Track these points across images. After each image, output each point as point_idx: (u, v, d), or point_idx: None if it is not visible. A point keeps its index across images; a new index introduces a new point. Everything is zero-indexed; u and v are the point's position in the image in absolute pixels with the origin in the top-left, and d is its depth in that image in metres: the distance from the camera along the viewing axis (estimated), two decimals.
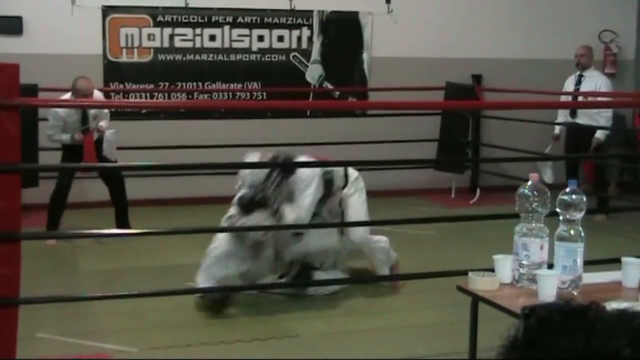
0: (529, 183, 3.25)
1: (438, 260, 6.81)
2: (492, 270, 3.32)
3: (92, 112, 7.75)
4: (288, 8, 10.18)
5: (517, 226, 3.22)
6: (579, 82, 9.39)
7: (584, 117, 9.22)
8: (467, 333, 3.55)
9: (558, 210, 3.14)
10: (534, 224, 3.20)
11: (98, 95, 7.88)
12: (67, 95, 7.53)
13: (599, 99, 8.95)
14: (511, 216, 5.37)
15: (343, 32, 10.44)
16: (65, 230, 7.68)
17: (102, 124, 7.79)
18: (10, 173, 4.28)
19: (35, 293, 5.52)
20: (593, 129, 9.10)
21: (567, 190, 3.13)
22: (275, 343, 5.17)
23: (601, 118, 9.13)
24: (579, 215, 3.12)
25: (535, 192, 3.21)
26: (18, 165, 4.36)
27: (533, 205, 3.20)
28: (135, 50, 9.75)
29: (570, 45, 9.80)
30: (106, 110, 8.00)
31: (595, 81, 9.28)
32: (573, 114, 9.36)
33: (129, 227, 7.51)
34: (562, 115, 9.59)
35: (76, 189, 8.62)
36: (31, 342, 4.94)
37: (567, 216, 3.12)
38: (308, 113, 10.22)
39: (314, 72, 10.39)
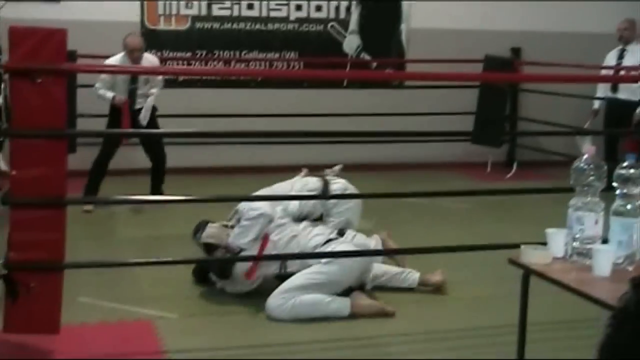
0: (585, 156, 3.20)
1: (475, 234, 6.77)
2: (542, 243, 3.28)
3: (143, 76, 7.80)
4: None
5: (572, 200, 3.18)
6: (621, 57, 9.27)
7: (626, 92, 9.07)
8: (508, 307, 3.53)
9: (615, 184, 3.10)
10: (589, 198, 3.16)
11: (151, 59, 7.95)
12: (120, 55, 7.64)
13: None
14: (553, 190, 5.38)
15: (382, 3, 10.37)
16: (103, 197, 7.72)
17: (154, 90, 7.84)
18: (57, 139, 4.30)
19: (76, 259, 5.55)
20: (635, 105, 8.97)
21: (625, 164, 3.08)
22: None
23: None
24: (636, 190, 3.08)
25: (591, 166, 3.17)
26: (65, 131, 4.37)
27: (589, 179, 3.15)
28: (173, 18, 9.74)
29: (612, 18, 9.64)
30: (160, 77, 8.03)
31: (638, 55, 9.15)
32: (614, 89, 9.23)
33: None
34: (602, 90, 9.46)
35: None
36: (74, 306, 4.97)
37: (625, 190, 3.08)
38: (345, 84, 10.21)
39: (351, 43, 10.33)
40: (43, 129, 4.23)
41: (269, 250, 5.33)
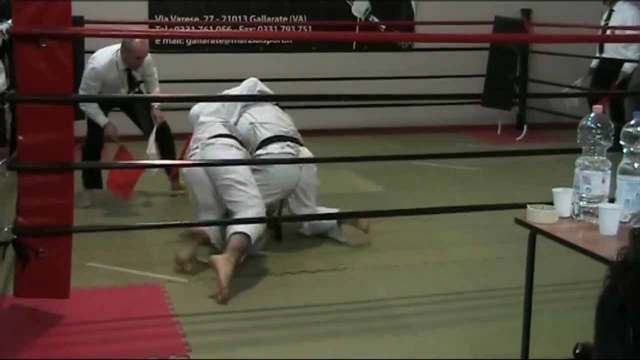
0: (592, 115, 3.17)
1: (485, 196, 6.75)
2: (550, 203, 3.27)
3: (137, 75, 6.83)
4: None
5: (579, 159, 3.16)
6: (609, 17, 9.25)
7: (611, 52, 9.09)
8: (516, 268, 3.52)
9: (622, 142, 3.07)
10: (596, 157, 3.14)
11: (150, 60, 6.94)
12: (110, 52, 6.64)
13: (627, 32, 8.88)
14: (563, 151, 5.35)
15: None
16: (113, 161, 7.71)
17: (157, 113, 6.95)
18: (63, 104, 4.29)
19: (86, 223, 5.58)
20: (618, 63, 8.99)
21: (632, 122, 3.05)
22: (323, 275, 5.18)
23: (628, 51, 8.97)
24: None
25: (598, 124, 3.14)
26: (72, 96, 4.36)
27: (595, 138, 3.13)
28: None
29: None
30: (156, 76, 7.03)
31: (623, 14, 9.11)
32: (601, 49, 9.24)
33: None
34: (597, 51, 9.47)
35: (115, 122, 8.66)
36: (83, 271, 5.00)
37: (632, 149, 3.05)
38: (354, 47, 10.15)
39: (360, 6, 10.26)
40: (49, 94, 4.22)
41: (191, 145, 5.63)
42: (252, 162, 5.51)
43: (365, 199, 6.98)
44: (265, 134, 5.66)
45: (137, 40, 6.56)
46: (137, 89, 6.94)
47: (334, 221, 5.89)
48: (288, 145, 5.62)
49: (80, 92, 6.47)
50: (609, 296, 1.37)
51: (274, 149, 5.56)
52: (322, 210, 5.85)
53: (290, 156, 5.58)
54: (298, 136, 5.85)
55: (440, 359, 3.99)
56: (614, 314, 1.34)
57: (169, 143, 7.02)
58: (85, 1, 8.18)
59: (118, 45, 6.61)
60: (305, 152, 5.73)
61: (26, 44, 4.16)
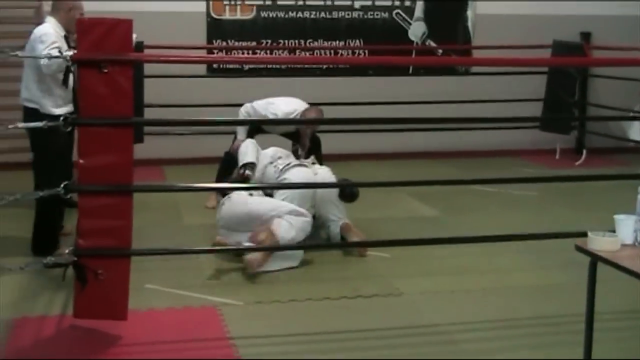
0: None
1: (542, 221, 6.69)
2: (612, 230, 3.22)
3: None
4: None
5: None
6: None
7: None
8: (576, 295, 3.47)
9: None
10: None
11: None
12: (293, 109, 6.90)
13: None
14: (623, 177, 5.29)
15: None
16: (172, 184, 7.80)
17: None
18: (123, 127, 4.35)
19: (142, 246, 5.63)
20: None
21: None
22: (379, 300, 5.15)
23: None
24: None
25: None
26: (131, 119, 4.43)
27: None
28: (238, 7, 9.79)
29: None
30: None
31: None
32: None
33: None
34: None
35: (173, 145, 8.78)
36: (141, 293, 5.05)
37: None
38: (410, 71, 10.14)
39: (416, 30, 10.26)
40: (110, 117, 4.29)
41: None
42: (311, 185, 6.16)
43: (422, 223, 6.95)
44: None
45: (311, 112, 6.77)
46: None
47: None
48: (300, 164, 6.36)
49: (242, 111, 7.14)
50: None
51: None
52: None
53: (304, 167, 6.33)
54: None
55: None
56: None
57: None
58: (146, 27, 8.34)
59: None
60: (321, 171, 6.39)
61: (89, 69, 4.25)
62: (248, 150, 6.38)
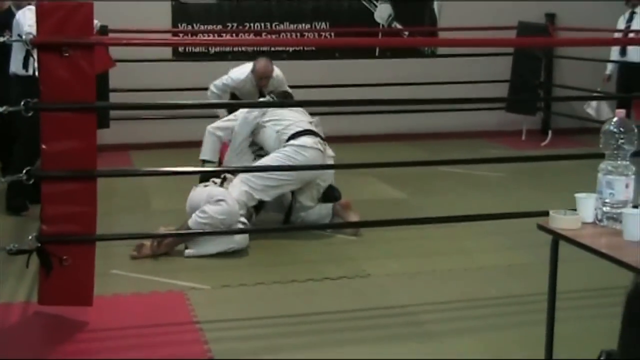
0: (615, 119, 3.14)
1: (509, 202, 6.72)
2: (573, 209, 3.24)
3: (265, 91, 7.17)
4: None
5: (602, 164, 3.13)
6: (630, 19, 9.17)
7: (635, 55, 8.98)
8: (540, 275, 3.47)
9: None
10: (619, 162, 3.11)
11: (279, 74, 7.42)
12: (247, 69, 7.26)
13: None
14: (586, 156, 5.30)
15: None
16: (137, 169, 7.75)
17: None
18: (86, 112, 4.31)
19: (110, 231, 5.60)
20: None
21: None
22: (346, 282, 5.16)
23: None
24: None
25: (621, 129, 3.11)
26: (94, 104, 4.38)
27: (619, 142, 3.10)
28: None
29: None
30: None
31: None
32: (623, 52, 9.14)
33: None
34: (615, 54, 9.36)
35: (140, 130, 8.74)
36: (107, 279, 5.02)
37: None
38: (377, 53, 10.14)
39: (382, 12, 10.26)
40: (72, 102, 4.25)
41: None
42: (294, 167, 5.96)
43: (390, 205, 6.96)
44: (294, 129, 6.12)
45: (260, 63, 7.18)
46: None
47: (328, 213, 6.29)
48: (319, 142, 6.10)
49: (209, 93, 7.35)
50: (636, 297, 1.35)
51: (306, 141, 6.04)
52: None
53: (319, 151, 6.05)
54: (322, 134, 6.24)
55: None
56: None
57: None
58: (110, 11, 8.27)
59: None
60: (329, 151, 6.25)
61: (49, 53, 4.20)
62: (206, 144, 6.32)
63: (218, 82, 7.36)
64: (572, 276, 3.79)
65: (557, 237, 3.16)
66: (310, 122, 6.31)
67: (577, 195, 3.21)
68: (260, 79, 7.18)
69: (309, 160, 5.98)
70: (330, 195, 6.30)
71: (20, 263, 4.61)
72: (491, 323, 4.54)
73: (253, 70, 7.20)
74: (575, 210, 3.20)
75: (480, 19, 9.83)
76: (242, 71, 7.31)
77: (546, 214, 3.24)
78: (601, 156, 3.20)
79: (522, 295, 4.82)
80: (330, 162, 6.22)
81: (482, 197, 7.24)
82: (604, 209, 3.14)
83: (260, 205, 6.13)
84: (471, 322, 4.57)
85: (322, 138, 6.21)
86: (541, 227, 3.21)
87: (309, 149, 6.02)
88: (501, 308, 4.75)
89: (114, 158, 8.29)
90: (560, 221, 3.13)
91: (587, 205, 3.18)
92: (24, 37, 5.01)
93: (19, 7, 7.11)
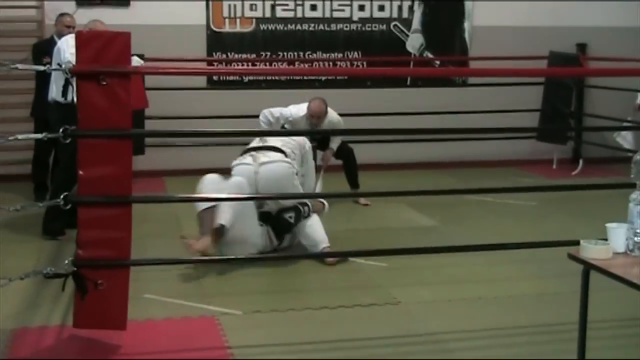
0: None
1: (540, 231, 6.69)
2: (604, 239, 3.22)
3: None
4: None
5: (633, 194, 3.12)
6: None
7: None
8: (571, 304, 3.45)
9: None
10: None
11: (334, 118, 7.80)
12: (300, 110, 7.61)
13: None
14: (617, 186, 5.27)
15: (444, 1, 10.32)
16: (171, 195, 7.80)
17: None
18: (122, 138, 4.35)
19: (142, 256, 5.63)
20: None
21: None
22: (376, 309, 5.15)
23: None
24: None
25: None
26: (129, 131, 4.43)
27: None
28: (238, 20, 9.83)
29: None
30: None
31: None
32: None
33: None
34: None
35: (174, 157, 8.80)
36: (140, 302, 5.04)
37: None
38: (408, 82, 10.17)
39: (414, 42, 10.29)
40: (108, 129, 4.29)
41: None
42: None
43: (420, 233, 6.95)
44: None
45: (314, 103, 7.54)
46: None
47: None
48: (250, 156, 6.33)
49: (261, 117, 7.60)
50: None
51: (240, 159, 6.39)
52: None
53: (247, 165, 6.25)
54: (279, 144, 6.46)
55: None
56: None
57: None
58: (147, 39, 8.36)
59: None
60: (266, 158, 6.29)
61: (87, 82, 4.24)
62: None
63: (275, 111, 7.59)
64: (603, 306, 3.76)
65: (588, 267, 3.15)
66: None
67: (608, 225, 3.20)
68: (312, 117, 7.49)
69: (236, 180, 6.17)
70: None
71: (56, 286, 4.65)
72: (521, 352, 4.50)
73: (308, 108, 7.50)
74: (606, 239, 3.19)
75: (512, 48, 9.83)
76: (301, 108, 7.61)
77: (577, 243, 3.23)
78: (632, 186, 3.19)
79: (553, 325, 4.78)
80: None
81: (513, 225, 7.21)
82: (636, 239, 3.13)
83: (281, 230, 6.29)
84: (501, 350, 4.54)
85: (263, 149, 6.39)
86: (572, 257, 3.20)
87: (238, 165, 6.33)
88: (531, 337, 4.71)
89: (148, 184, 8.36)
90: (591, 251, 3.12)
91: (619, 235, 3.17)
92: (63, 65, 5.13)
93: (61, 35, 7.26)
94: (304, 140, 6.69)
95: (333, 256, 6.04)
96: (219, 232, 5.86)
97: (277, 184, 6.14)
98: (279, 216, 6.24)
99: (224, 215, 5.89)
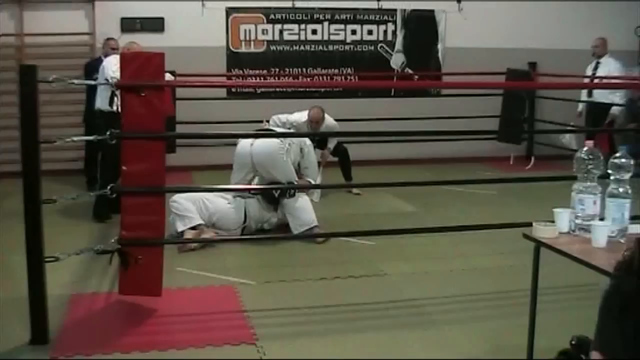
0: (585, 149, 3.14)
1: (500, 215, 6.67)
2: (552, 221, 3.23)
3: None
4: (376, 7, 10.11)
5: (575, 184, 3.13)
6: (595, 67, 9.13)
7: (600, 97, 8.94)
8: (524, 275, 3.46)
9: (610, 171, 3.04)
10: (588, 183, 3.10)
11: (330, 123, 7.82)
12: (301, 117, 7.65)
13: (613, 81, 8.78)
14: (562, 178, 5.26)
15: (421, 27, 10.29)
16: (197, 185, 7.80)
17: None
18: (157, 140, 4.37)
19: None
20: (607, 106, 8.84)
21: (618, 154, 3.02)
22: (367, 280, 5.16)
23: (615, 97, 8.82)
24: (626, 176, 3.01)
25: (590, 156, 3.11)
26: (163, 133, 4.44)
27: (588, 167, 3.09)
28: (252, 42, 9.81)
29: (609, 37, 9.40)
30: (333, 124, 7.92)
31: (608, 66, 9.00)
32: (590, 94, 9.12)
33: None
34: (584, 96, 9.32)
35: (200, 155, 8.80)
36: (173, 274, 5.06)
37: (618, 176, 3.02)
38: (392, 93, 10.17)
39: (397, 60, 10.28)
40: (146, 132, 4.31)
41: None
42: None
43: (402, 217, 6.96)
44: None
45: (313, 110, 7.64)
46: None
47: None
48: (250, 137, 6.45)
49: (271, 122, 7.52)
50: (614, 294, 1.33)
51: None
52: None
53: (246, 141, 6.31)
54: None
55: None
56: (617, 311, 1.29)
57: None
58: (178, 58, 8.35)
59: None
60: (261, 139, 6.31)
61: (130, 93, 4.26)
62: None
63: (282, 117, 7.61)
64: (551, 276, 3.76)
65: (539, 244, 3.15)
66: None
67: (554, 209, 3.21)
68: (312, 122, 7.56)
69: (238, 151, 6.35)
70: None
71: (104, 261, 4.67)
72: (484, 314, 4.52)
73: (308, 115, 7.56)
74: (553, 222, 3.20)
75: (476, 66, 9.82)
76: (303, 115, 7.67)
77: (530, 225, 3.23)
78: (574, 178, 3.20)
79: (510, 291, 4.79)
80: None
81: (478, 210, 7.21)
82: (577, 221, 3.14)
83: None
84: (468, 313, 4.56)
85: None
86: (526, 236, 3.20)
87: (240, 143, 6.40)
88: (493, 302, 4.73)
89: (178, 177, 8.36)
90: (541, 231, 3.12)
91: (563, 218, 3.17)
92: (110, 80, 5.13)
93: (107, 55, 7.26)
94: (304, 139, 6.71)
95: (332, 236, 6.05)
96: (200, 229, 5.98)
97: (268, 156, 6.16)
98: (266, 190, 6.25)
99: (193, 217, 5.98)
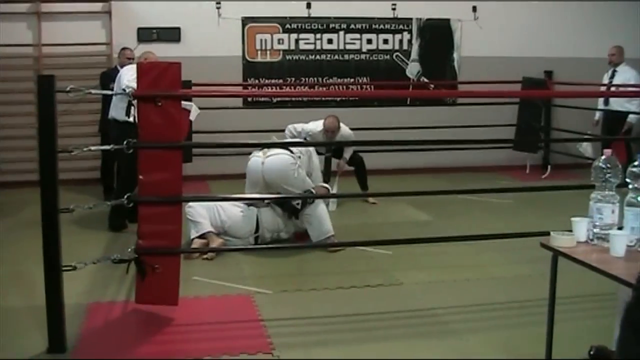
0: (603, 157, 3.13)
1: (516, 224, 6.65)
2: (569, 230, 3.21)
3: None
4: (392, 16, 10.11)
5: (593, 193, 3.11)
6: (612, 76, 9.09)
7: (616, 105, 8.89)
8: (542, 284, 3.44)
9: (628, 180, 3.02)
10: (606, 192, 3.08)
11: (345, 132, 7.77)
12: (317, 126, 7.62)
13: (629, 89, 8.70)
14: (580, 187, 5.24)
15: (437, 36, 10.29)
16: (214, 195, 7.82)
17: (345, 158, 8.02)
18: (174, 149, 4.37)
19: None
20: (624, 115, 8.78)
21: (636, 163, 3.00)
22: (383, 289, 5.14)
23: (631, 105, 8.77)
24: None
25: (608, 165, 3.09)
26: (180, 143, 4.45)
27: (606, 176, 3.08)
28: (268, 52, 9.84)
29: (625, 46, 9.36)
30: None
31: (625, 75, 8.95)
32: (606, 102, 9.07)
33: None
34: (600, 104, 9.28)
35: (216, 164, 8.82)
36: (189, 283, 5.07)
37: (636, 185, 2.99)
38: (408, 102, 10.16)
39: (413, 69, 10.27)
40: (163, 142, 4.32)
41: None
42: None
43: (418, 226, 6.94)
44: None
45: (329, 119, 7.59)
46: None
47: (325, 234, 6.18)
48: (261, 150, 6.33)
49: (286, 131, 7.60)
50: (636, 306, 1.31)
51: (254, 153, 6.43)
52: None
53: (257, 157, 6.29)
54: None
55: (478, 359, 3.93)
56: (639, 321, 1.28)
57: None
58: (194, 68, 8.38)
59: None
60: (272, 151, 6.26)
61: (146, 103, 4.27)
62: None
63: (297, 126, 7.60)
64: (568, 285, 3.74)
65: (556, 254, 3.14)
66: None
67: (572, 219, 3.19)
68: (327, 131, 7.51)
69: (250, 168, 6.33)
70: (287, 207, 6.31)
71: (121, 270, 4.68)
72: (501, 323, 4.50)
73: (323, 124, 7.54)
74: (571, 231, 3.18)
75: (492, 75, 9.80)
76: (319, 124, 7.64)
77: (547, 234, 3.21)
78: (592, 187, 3.18)
79: (527, 301, 4.76)
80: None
81: (494, 220, 7.18)
82: (595, 230, 3.11)
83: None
84: (485, 322, 4.53)
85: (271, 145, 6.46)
86: (543, 245, 3.19)
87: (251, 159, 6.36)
88: (509, 311, 4.69)
89: (195, 186, 8.40)
90: (559, 240, 3.11)
91: (581, 227, 3.15)
92: (126, 90, 5.16)
93: (123, 65, 7.31)
94: (310, 148, 6.74)
95: (349, 245, 6.04)
96: (209, 237, 5.99)
97: (279, 173, 6.13)
98: (285, 200, 6.22)
99: (203, 223, 6.01)
